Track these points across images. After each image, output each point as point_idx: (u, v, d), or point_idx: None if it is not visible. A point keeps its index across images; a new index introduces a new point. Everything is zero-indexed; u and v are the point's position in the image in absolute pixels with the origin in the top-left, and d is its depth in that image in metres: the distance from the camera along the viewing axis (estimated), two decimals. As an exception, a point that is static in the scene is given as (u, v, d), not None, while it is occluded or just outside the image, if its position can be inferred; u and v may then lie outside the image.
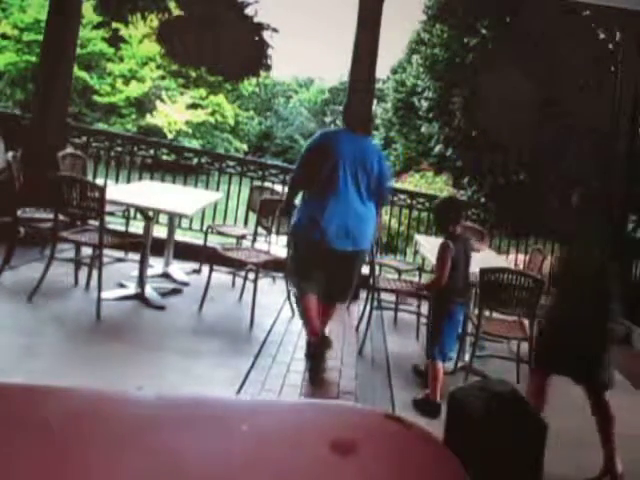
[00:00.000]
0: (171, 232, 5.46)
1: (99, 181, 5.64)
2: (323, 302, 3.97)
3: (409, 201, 6.84)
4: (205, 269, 4.99)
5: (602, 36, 14.51)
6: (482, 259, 4.23)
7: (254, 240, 5.42)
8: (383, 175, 3.94)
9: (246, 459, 0.85)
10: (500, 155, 15.28)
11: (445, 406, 1.44)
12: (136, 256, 4.80)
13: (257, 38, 11.03)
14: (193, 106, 20.24)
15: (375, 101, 13.44)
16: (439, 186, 16.50)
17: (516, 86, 11.95)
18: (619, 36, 7.48)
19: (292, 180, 4.28)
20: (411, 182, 17.04)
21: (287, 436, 0.93)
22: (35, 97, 6.39)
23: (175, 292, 4.90)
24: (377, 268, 5.31)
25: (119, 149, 6.69)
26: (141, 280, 4.55)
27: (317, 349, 3.86)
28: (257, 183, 6.47)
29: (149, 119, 19.30)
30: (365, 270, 5.03)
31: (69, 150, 5.80)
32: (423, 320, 4.63)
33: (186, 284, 5.11)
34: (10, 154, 4.72)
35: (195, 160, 6.84)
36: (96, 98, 19.39)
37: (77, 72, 16.62)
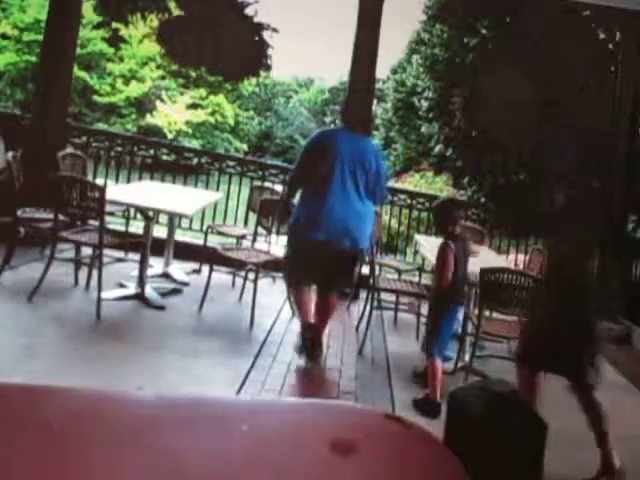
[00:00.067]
0: (171, 232, 5.46)
1: (99, 181, 5.64)
2: (320, 296, 4.03)
3: (409, 201, 6.83)
4: (205, 269, 4.99)
5: (602, 36, 14.50)
6: (482, 259, 4.23)
7: (254, 240, 5.42)
8: (381, 173, 3.96)
9: (246, 459, 0.85)
10: (500, 155, 15.26)
11: (445, 406, 1.44)
12: (136, 256, 4.80)
13: (257, 38, 11.02)
14: (193, 106, 20.24)
15: (375, 101, 13.45)
16: (439, 186, 16.50)
17: (516, 86, 11.94)
18: (619, 36, 7.48)
19: (291, 179, 4.30)
20: (411, 182, 17.03)
21: (287, 436, 0.93)
22: (35, 97, 6.39)
23: (175, 292, 4.90)
24: (377, 268, 5.32)
25: (119, 149, 6.69)
26: (141, 280, 4.55)
27: (312, 334, 3.93)
28: (257, 183, 6.47)
29: (149, 119, 19.30)
30: (365, 270, 5.04)
31: (69, 150, 5.80)
32: (423, 320, 4.63)
33: (186, 284, 5.12)
34: (10, 154, 4.72)
35: (195, 160, 6.84)
36: (96, 98, 19.39)
37: (77, 72, 16.61)
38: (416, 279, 5.91)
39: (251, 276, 4.72)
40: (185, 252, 5.71)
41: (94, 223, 4.44)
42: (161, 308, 4.46)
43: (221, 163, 6.77)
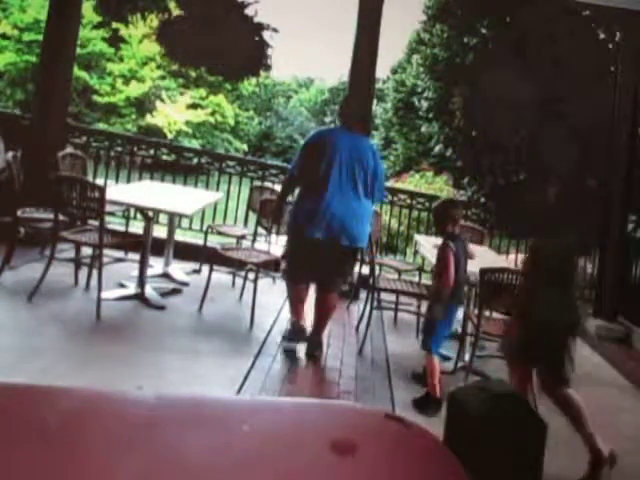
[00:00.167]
0: (171, 232, 5.46)
1: (99, 181, 5.64)
2: (318, 293, 4.10)
3: (409, 201, 6.83)
4: (205, 269, 4.99)
5: (602, 36, 14.50)
6: (482, 259, 4.23)
7: (254, 240, 5.42)
8: (378, 172, 3.98)
9: (246, 459, 0.85)
10: (500, 155, 15.27)
11: (445, 406, 1.44)
12: (136, 256, 4.79)
13: (257, 38, 11.04)
14: (193, 106, 20.26)
15: (375, 101, 13.45)
16: (439, 186, 16.51)
17: (516, 86, 11.94)
18: (619, 36, 7.48)
19: (289, 177, 4.30)
20: (411, 182, 17.05)
21: (287, 436, 0.93)
22: (35, 97, 6.39)
23: (175, 292, 4.90)
24: (377, 268, 5.32)
25: (119, 149, 6.69)
26: (141, 280, 4.55)
27: (297, 334, 4.11)
28: (257, 183, 6.47)
29: (149, 119, 19.32)
30: (365, 270, 5.04)
31: (69, 150, 5.80)
32: (422, 320, 4.63)
33: (186, 284, 5.11)
34: (10, 154, 4.72)
35: (195, 160, 6.83)
36: (96, 98, 19.41)
37: (77, 72, 16.64)
38: (416, 279, 5.91)
39: (251, 276, 4.72)
40: (185, 252, 5.71)
41: (94, 223, 4.43)
42: (161, 308, 4.46)
43: (221, 163, 6.77)
